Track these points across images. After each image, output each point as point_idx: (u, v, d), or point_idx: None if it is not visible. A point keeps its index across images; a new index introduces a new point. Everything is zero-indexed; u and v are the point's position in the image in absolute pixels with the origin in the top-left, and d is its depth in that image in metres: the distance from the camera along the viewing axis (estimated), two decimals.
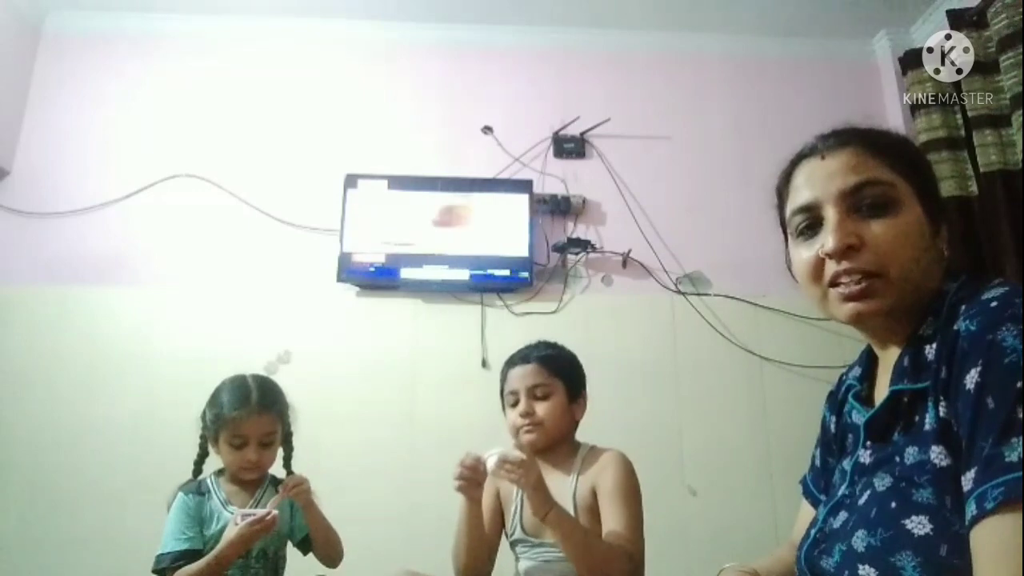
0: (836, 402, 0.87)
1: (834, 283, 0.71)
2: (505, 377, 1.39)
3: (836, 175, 0.72)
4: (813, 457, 0.94)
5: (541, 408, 1.31)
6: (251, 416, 1.39)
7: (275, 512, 1.29)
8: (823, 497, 0.89)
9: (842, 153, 0.73)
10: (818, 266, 0.72)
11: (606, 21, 2.60)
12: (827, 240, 0.70)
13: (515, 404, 1.34)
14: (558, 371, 1.35)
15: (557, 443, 1.34)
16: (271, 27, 2.59)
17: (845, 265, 0.69)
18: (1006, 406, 0.55)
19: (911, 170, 0.73)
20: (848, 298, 0.70)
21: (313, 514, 1.42)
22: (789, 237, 0.79)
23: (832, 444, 0.86)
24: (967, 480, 0.57)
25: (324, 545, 1.44)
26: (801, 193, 0.75)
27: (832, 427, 0.87)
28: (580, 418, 1.39)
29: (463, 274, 2.31)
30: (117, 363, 2.22)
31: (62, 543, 2.07)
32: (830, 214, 0.71)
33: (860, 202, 0.71)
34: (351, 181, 2.37)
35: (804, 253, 0.74)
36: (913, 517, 0.62)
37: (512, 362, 1.39)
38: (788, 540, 1.04)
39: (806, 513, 0.94)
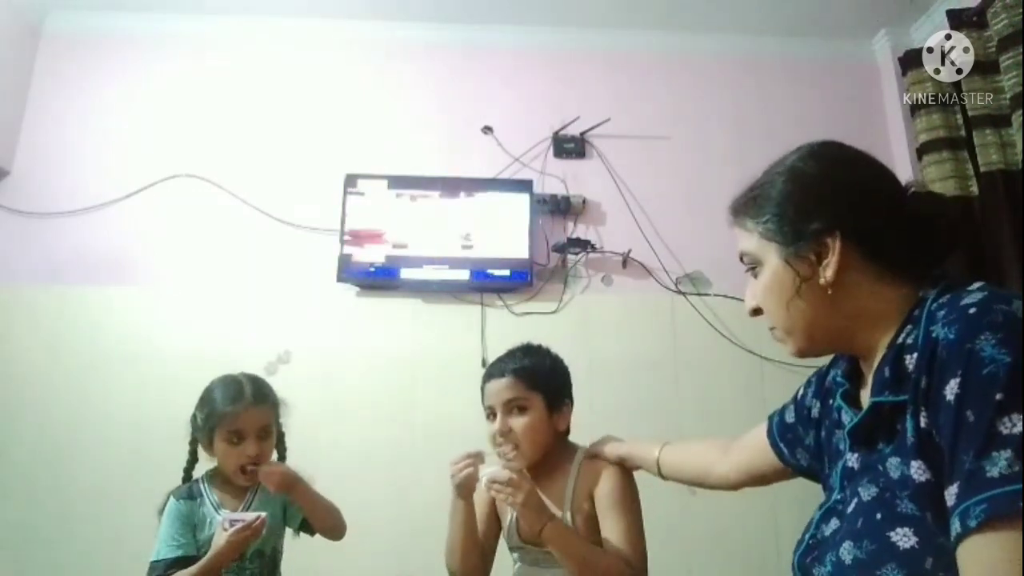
0: (822, 388, 0.89)
1: None
2: (483, 390, 1.33)
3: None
4: (786, 409, 0.97)
5: (518, 425, 1.26)
6: (247, 409, 1.36)
7: (263, 515, 1.27)
8: (783, 446, 0.95)
9: (734, 226, 0.83)
10: None
11: (606, 21, 2.60)
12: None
13: (494, 418, 1.29)
14: (535, 383, 1.28)
15: (543, 456, 1.29)
16: (271, 27, 2.59)
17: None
18: (986, 419, 0.54)
19: (765, 227, 0.77)
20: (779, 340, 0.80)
21: (302, 497, 1.38)
22: None
23: (808, 423, 0.90)
24: (950, 495, 0.57)
25: (324, 521, 1.41)
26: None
27: (814, 411, 0.89)
28: (563, 428, 1.34)
29: (463, 274, 2.31)
30: (117, 363, 2.22)
31: (61, 542, 2.07)
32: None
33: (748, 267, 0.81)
34: (351, 181, 2.37)
35: None
36: (898, 529, 0.61)
37: (489, 375, 1.32)
38: (720, 441, 1.14)
39: (754, 437, 1.03)
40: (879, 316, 0.71)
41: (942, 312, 0.63)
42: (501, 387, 1.28)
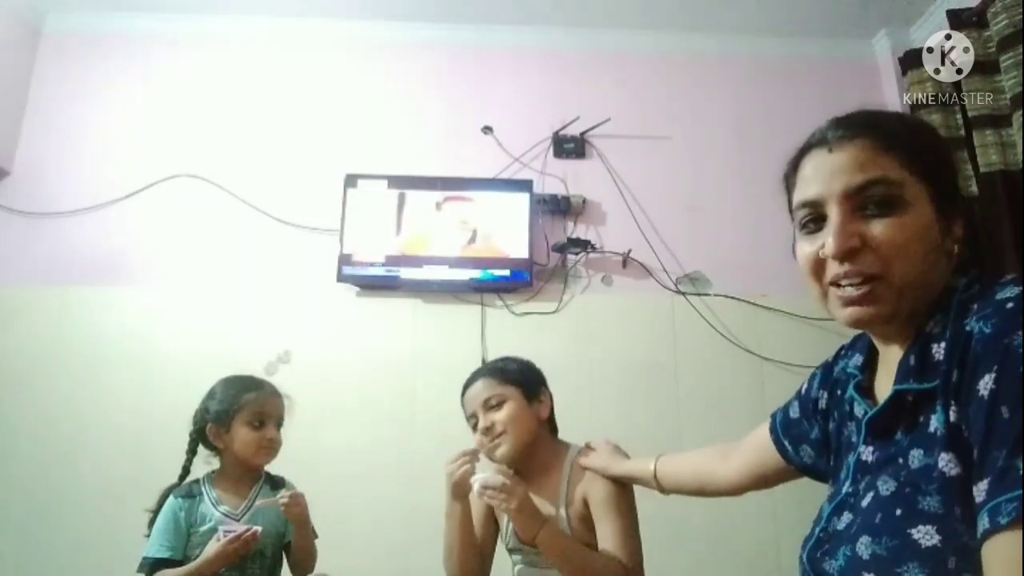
0: (831, 379, 0.86)
1: (835, 283, 0.69)
2: (462, 405, 1.36)
3: (842, 171, 0.68)
4: (790, 405, 0.95)
5: (498, 417, 1.28)
6: (272, 396, 1.45)
7: (256, 529, 1.31)
8: (787, 443, 0.93)
9: (850, 147, 0.69)
10: (819, 264, 0.70)
11: (606, 21, 2.60)
12: (828, 241, 0.67)
13: (477, 426, 1.31)
14: (508, 379, 1.32)
15: (533, 447, 1.30)
16: (271, 27, 2.59)
17: (846, 267, 0.67)
18: (1020, 415, 0.53)
19: (924, 165, 0.68)
20: (848, 303, 0.68)
21: (303, 533, 1.43)
22: (795, 227, 0.76)
23: (814, 415, 0.88)
24: (979, 491, 0.55)
25: (303, 556, 1.45)
26: (807, 187, 0.72)
27: (822, 402, 0.87)
28: (545, 416, 1.36)
29: (463, 274, 2.31)
30: (117, 363, 2.22)
31: (62, 542, 2.07)
32: (833, 213, 0.68)
33: (865, 201, 0.67)
34: (351, 181, 2.37)
35: (807, 248, 0.72)
36: (920, 527, 0.60)
37: (464, 387, 1.36)
38: (717, 447, 1.12)
39: (756, 437, 1.00)
40: (931, 299, 0.68)
41: (975, 305, 0.62)
42: (476, 391, 1.32)
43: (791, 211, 0.77)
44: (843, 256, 0.67)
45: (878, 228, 0.66)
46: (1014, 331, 0.56)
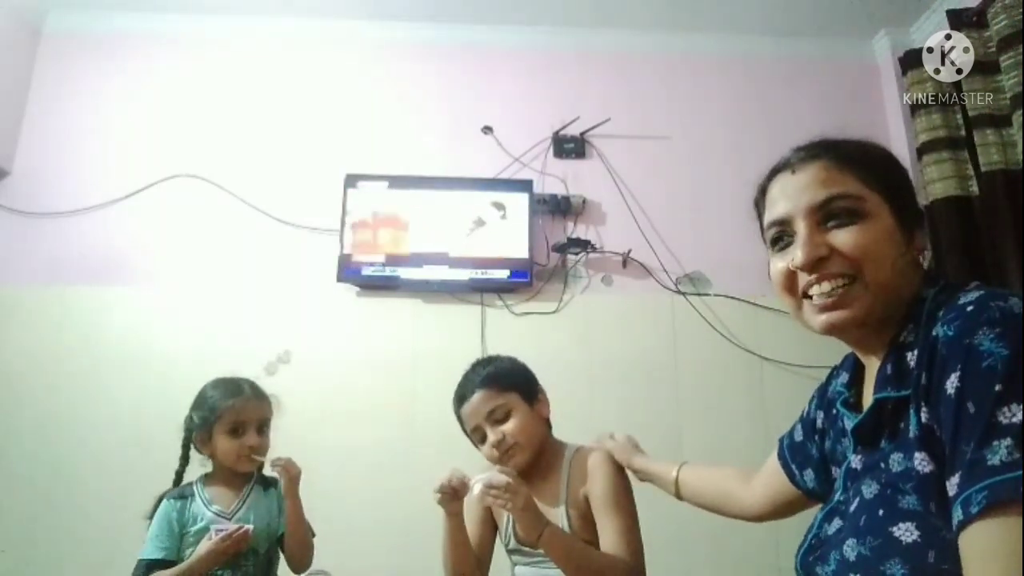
0: (824, 400, 0.89)
1: (806, 294, 0.73)
2: (460, 419, 1.33)
3: (806, 189, 0.73)
4: (794, 428, 0.97)
5: (509, 428, 1.26)
6: (249, 401, 1.44)
7: (247, 527, 1.32)
8: (794, 467, 0.94)
9: (812, 167, 0.74)
10: (790, 277, 0.74)
11: (606, 21, 2.60)
12: (796, 254, 0.72)
13: (484, 439, 1.29)
14: (507, 385, 1.30)
15: (541, 449, 1.31)
16: (271, 27, 2.59)
17: (816, 275, 0.71)
18: (986, 410, 0.55)
19: (882, 181, 0.73)
20: (823, 309, 0.72)
21: (294, 501, 1.42)
22: (768, 247, 0.81)
23: (813, 436, 0.90)
24: (951, 485, 0.58)
25: (297, 543, 1.43)
26: (775, 206, 0.77)
27: (819, 422, 0.89)
28: (547, 415, 1.36)
29: (463, 274, 2.31)
30: (117, 363, 2.22)
31: (61, 542, 2.07)
32: (800, 227, 0.73)
33: (830, 214, 0.72)
34: (351, 181, 2.37)
35: (778, 264, 0.76)
36: (900, 524, 0.62)
37: (461, 400, 1.32)
38: (742, 470, 1.12)
39: (771, 462, 1.01)
40: (904, 309, 0.72)
41: (941, 312, 0.65)
42: (477, 403, 1.29)
43: (763, 234, 0.82)
44: (812, 265, 0.71)
45: (843, 236, 0.71)
46: (975, 331, 0.59)
